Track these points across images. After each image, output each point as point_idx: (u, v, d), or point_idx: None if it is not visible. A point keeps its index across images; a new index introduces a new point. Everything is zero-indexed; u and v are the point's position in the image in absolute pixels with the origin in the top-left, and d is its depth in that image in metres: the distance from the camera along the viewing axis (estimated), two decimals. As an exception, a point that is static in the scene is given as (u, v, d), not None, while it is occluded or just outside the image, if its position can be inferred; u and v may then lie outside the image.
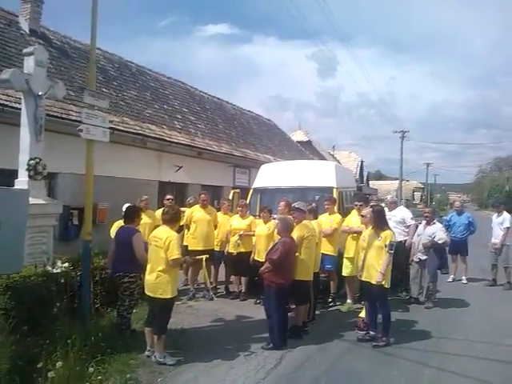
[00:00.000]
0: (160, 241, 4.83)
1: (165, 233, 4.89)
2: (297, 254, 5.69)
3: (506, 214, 9.79)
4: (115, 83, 13.62)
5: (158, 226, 7.52)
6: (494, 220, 9.83)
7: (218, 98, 21.86)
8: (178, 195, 13.27)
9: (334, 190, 8.51)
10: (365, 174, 46.20)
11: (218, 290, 8.28)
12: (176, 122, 15.17)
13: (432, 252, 7.79)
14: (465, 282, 9.78)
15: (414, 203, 64.27)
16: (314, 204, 6.82)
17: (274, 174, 9.40)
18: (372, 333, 5.73)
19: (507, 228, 9.47)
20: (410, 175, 72.44)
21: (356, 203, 7.45)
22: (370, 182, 54.17)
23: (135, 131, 11.95)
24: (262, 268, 5.64)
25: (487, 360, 5.08)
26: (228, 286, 8.32)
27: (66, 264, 5.68)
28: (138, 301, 5.59)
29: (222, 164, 16.68)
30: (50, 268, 5.42)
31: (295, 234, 5.75)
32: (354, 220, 7.37)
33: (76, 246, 6.91)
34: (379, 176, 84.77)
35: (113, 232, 6.62)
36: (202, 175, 15.15)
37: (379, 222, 5.75)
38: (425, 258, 7.79)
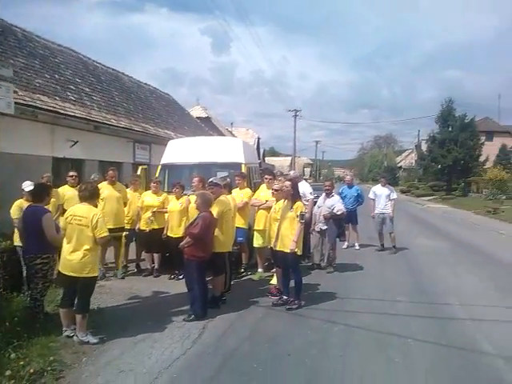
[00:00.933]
0: (84, 219, 4.66)
1: (89, 211, 4.73)
2: (216, 227, 5.86)
3: (390, 187, 10.97)
4: (-2, 49, 12.18)
5: (61, 204, 7.24)
6: (377, 192, 10.79)
7: (114, 69, 20.67)
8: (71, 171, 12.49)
9: (243, 166, 8.78)
10: (261, 150, 47.56)
11: (129, 269, 8.14)
12: (69, 94, 14.08)
13: (331, 222, 8.51)
14: (357, 248, 10.81)
15: (305, 178, 67.98)
16: (228, 179, 7.01)
17: (182, 150, 9.37)
18: (285, 297, 6.18)
19: (394, 199, 10.65)
20: (301, 152, 76.39)
21: (266, 177, 7.80)
22: (266, 158, 55.93)
23: (25, 102, 10.87)
24: (182, 242, 5.71)
25: (385, 314, 5.81)
26: (139, 264, 8.21)
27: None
28: (51, 282, 5.32)
29: (120, 139, 15.95)
30: None
31: (215, 209, 5.91)
32: (263, 194, 7.74)
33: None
34: (273, 153, 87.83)
35: (14, 212, 6.15)
36: (99, 151, 14.36)
37: (294, 193, 6.15)
38: (325, 227, 8.48)
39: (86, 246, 4.67)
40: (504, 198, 25.68)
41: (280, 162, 59.89)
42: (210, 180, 6.41)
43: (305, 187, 8.89)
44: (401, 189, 48.52)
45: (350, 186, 11.21)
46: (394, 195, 10.71)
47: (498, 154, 40.36)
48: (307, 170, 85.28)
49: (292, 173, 10.48)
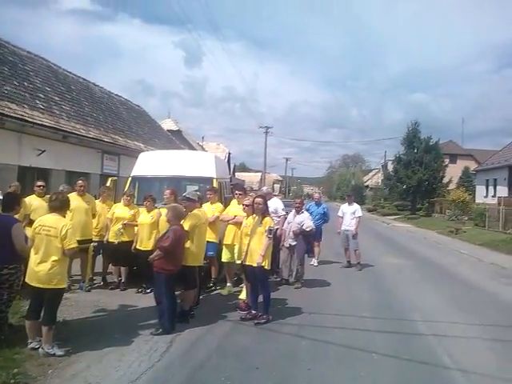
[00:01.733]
0: (54, 230, 4.61)
1: (58, 221, 4.68)
2: (189, 240, 5.89)
3: (356, 205, 11.29)
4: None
5: (27, 214, 7.08)
6: (344, 210, 11.16)
7: (84, 79, 20.46)
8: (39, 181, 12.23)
9: (215, 181, 8.84)
10: (231, 165, 47.73)
11: (95, 281, 7.99)
12: (38, 102, 13.89)
13: (300, 238, 8.65)
14: (316, 264, 10.81)
15: (274, 194, 68.43)
16: (199, 193, 7.05)
17: (153, 163, 9.37)
18: (253, 312, 6.22)
19: (359, 217, 10.96)
20: (271, 168, 77.16)
21: (237, 192, 7.89)
22: (236, 173, 56.12)
23: (-9, 109, 10.68)
24: (152, 256, 5.69)
25: (351, 330, 5.96)
26: (105, 277, 8.07)
27: None
28: (16, 294, 5.19)
29: (89, 150, 15.81)
30: None
31: (188, 223, 5.94)
32: (233, 209, 7.81)
33: None
34: (243, 168, 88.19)
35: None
36: (67, 161, 14.18)
37: (265, 209, 6.26)
38: (294, 243, 8.62)
39: (54, 257, 4.62)
40: (466, 218, 26.62)
41: (250, 178, 60.24)
42: (184, 195, 6.44)
43: (277, 203, 9.02)
44: (367, 207, 49.63)
45: (318, 204, 11.40)
46: (359, 213, 11.03)
47: (461, 176, 41.97)
48: (277, 187, 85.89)
49: (265, 189, 10.63)
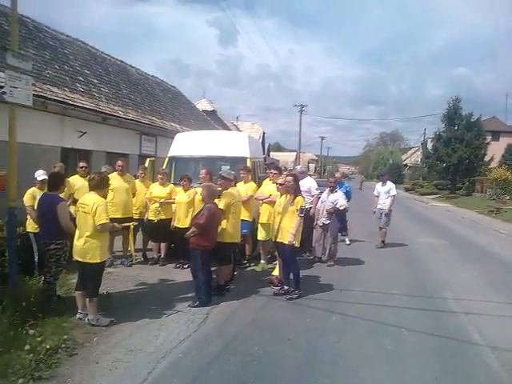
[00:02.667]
0: (87, 207, 4.90)
1: (92, 199, 4.97)
2: (224, 219, 6.12)
3: (390, 184, 11.18)
4: (9, 40, 12.40)
5: (72, 193, 7.49)
6: (379, 189, 11.11)
7: (121, 61, 20.89)
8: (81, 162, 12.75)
9: (248, 160, 8.99)
10: (266, 145, 47.74)
11: (136, 258, 8.38)
12: (78, 85, 14.32)
13: (334, 217, 8.73)
14: (348, 243, 10.93)
15: (309, 174, 68.07)
16: (233, 172, 7.24)
17: (189, 143, 9.59)
18: (286, 287, 6.42)
19: (394, 196, 10.88)
20: (306, 147, 76.55)
21: (272, 171, 8.01)
22: (271, 153, 56.12)
23: (35, 93, 11.03)
24: (188, 232, 5.95)
25: (381, 306, 6.06)
26: (145, 253, 8.47)
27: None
28: (64, 267, 5.58)
29: (128, 131, 16.20)
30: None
31: (223, 201, 6.18)
32: (267, 188, 7.97)
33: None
34: (278, 147, 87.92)
35: (27, 200, 6.40)
36: (107, 142, 14.62)
37: (296, 188, 6.38)
38: (328, 222, 8.71)
39: (87, 233, 4.90)
40: (508, 198, 25.74)
41: (285, 157, 60.03)
42: (219, 173, 6.64)
43: (311, 183, 9.06)
44: (405, 187, 48.64)
45: (340, 184, 11.29)
46: (393, 192, 10.93)
47: (503, 153, 40.31)
48: (312, 166, 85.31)
49: (299, 167, 10.67)
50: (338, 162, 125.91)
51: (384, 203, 10.82)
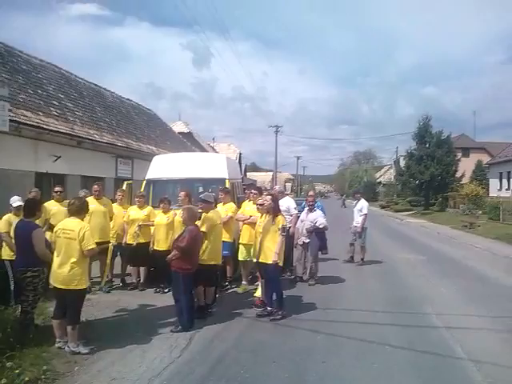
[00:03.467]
0: (72, 233, 4.81)
1: (76, 224, 4.88)
2: (206, 241, 6.10)
3: (363, 202, 11.38)
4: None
5: (47, 219, 7.32)
6: (353, 208, 11.35)
7: (96, 85, 20.82)
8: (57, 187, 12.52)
9: (227, 181, 9.01)
10: (242, 165, 47.91)
11: (114, 283, 8.21)
12: (52, 109, 14.19)
13: (314, 236, 8.78)
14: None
15: (286, 193, 68.44)
16: (214, 194, 7.23)
17: (167, 166, 9.56)
18: (269, 308, 6.38)
19: (365, 214, 11.04)
20: (282, 167, 77.11)
21: (252, 192, 8.05)
22: (247, 173, 56.30)
23: (9, 117, 10.95)
24: (169, 255, 5.88)
25: (364, 324, 6.08)
26: (124, 278, 8.31)
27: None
28: (41, 295, 5.41)
29: (103, 154, 16.08)
30: None
31: (205, 224, 6.17)
32: (248, 209, 7.99)
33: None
34: (254, 168, 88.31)
35: (2, 226, 6.22)
36: (82, 166, 14.45)
37: (275, 207, 6.42)
38: (308, 241, 8.75)
39: (73, 259, 4.81)
40: (480, 212, 26.41)
41: (261, 177, 60.33)
42: (200, 197, 6.64)
43: (289, 202, 9.13)
44: (380, 204, 49.42)
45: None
46: (365, 210, 11.09)
47: (473, 169, 41.54)
48: (289, 185, 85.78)
49: (277, 187, 10.76)
50: (314, 180, 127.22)
51: (357, 221, 11.02)
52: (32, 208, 5.36)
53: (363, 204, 11.27)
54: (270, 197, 6.53)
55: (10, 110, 7.03)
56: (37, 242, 5.08)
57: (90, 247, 4.87)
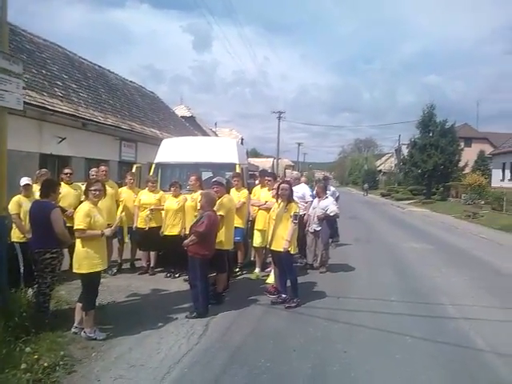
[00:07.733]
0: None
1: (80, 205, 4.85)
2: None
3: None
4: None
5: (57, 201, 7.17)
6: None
7: (99, 66, 20.47)
8: (60, 168, 12.36)
9: (237, 166, 8.86)
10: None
11: (123, 267, 8.12)
12: (57, 90, 13.92)
13: (325, 223, 8.67)
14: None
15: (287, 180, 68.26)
16: (226, 178, 7.11)
17: (176, 149, 9.38)
18: (283, 296, 6.29)
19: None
20: (283, 153, 76.73)
21: (267, 178, 7.92)
22: (248, 159, 56.01)
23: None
24: (186, 241, 5.75)
25: (381, 313, 5.99)
26: (134, 263, 8.21)
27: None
28: (59, 277, 5.31)
29: (107, 137, 15.85)
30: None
31: (223, 207, 6.03)
32: (263, 195, 7.87)
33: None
34: (255, 153, 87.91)
35: (12, 208, 6.08)
36: (86, 148, 14.26)
37: (290, 194, 6.29)
38: (319, 228, 8.64)
39: (77, 241, 4.75)
40: (482, 202, 26.37)
41: (262, 163, 59.86)
42: (214, 180, 6.49)
43: (305, 189, 9.03)
44: (381, 192, 49.38)
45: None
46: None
47: (476, 159, 41.44)
48: (288, 172, 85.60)
49: (295, 173, 10.54)
50: (314, 167, 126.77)
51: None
52: (48, 188, 5.20)
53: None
54: (287, 185, 6.39)
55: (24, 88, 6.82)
56: (56, 221, 4.95)
57: (75, 227, 4.69)
